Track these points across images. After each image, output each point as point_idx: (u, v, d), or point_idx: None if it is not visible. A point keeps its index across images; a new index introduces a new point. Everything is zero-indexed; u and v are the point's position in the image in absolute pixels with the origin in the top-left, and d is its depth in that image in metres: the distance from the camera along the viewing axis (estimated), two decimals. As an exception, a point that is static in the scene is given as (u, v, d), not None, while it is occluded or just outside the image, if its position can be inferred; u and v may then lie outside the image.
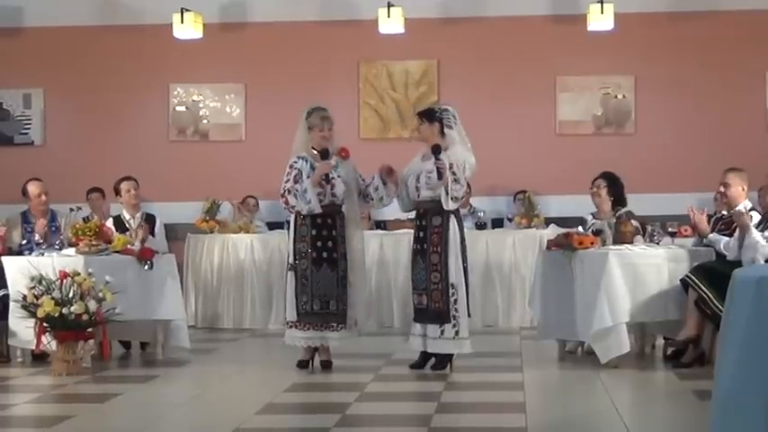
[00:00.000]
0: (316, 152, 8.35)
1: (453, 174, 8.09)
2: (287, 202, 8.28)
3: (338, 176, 8.32)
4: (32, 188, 9.95)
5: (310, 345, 8.36)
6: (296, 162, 8.33)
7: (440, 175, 8.09)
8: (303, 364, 8.38)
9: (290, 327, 8.34)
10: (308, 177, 8.25)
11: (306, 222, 8.31)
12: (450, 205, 8.15)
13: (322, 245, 8.29)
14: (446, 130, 8.30)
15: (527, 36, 13.45)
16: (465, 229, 11.90)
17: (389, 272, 11.71)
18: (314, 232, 8.29)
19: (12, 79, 13.74)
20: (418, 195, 8.30)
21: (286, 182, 8.28)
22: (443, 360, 8.25)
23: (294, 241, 8.36)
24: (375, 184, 8.43)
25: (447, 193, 8.10)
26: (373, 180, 8.43)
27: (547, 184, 13.15)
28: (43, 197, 9.88)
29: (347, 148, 8.40)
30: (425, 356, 8.32)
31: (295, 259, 8.33)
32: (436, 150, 8.12)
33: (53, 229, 9.43)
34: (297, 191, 8.21)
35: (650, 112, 13.44)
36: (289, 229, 8.55)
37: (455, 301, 8.17)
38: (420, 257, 8.27)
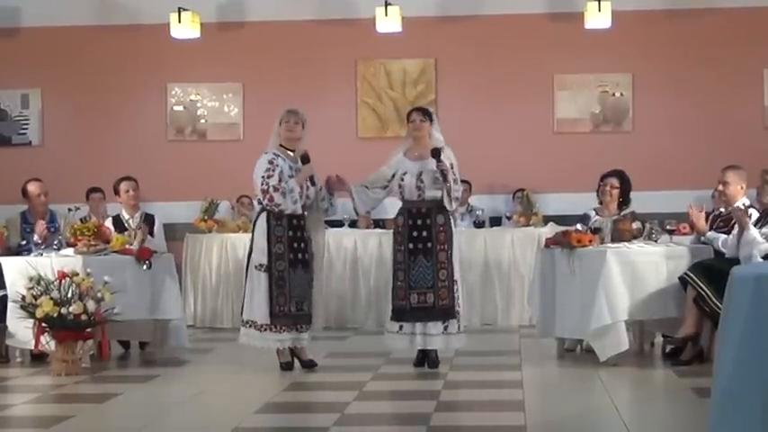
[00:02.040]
0: (284, 149, 8.32)
1: (453, 174, 8.15)
2: (272, 200, 8.14)
3: (307, 195, 8.31)
4: (32, 188, 9.95)
5: (286, 347, 8.30)
6: (275, 159, 8.27)
7: (445, 178, 8.15)
8: (287, 366, 8.32)
9: (264, 330, 8.23)
10: (290, 177, 8.23)
11: (282, 223, 8.23)
12: (453, 206, 8.24)
13: (297, 246, 8.26)
14: (432, 131, 8.41)
15: (525, 34, 13.45)
16: (463, 228, 12.06)
17: (387, 271, 11.66)
18: (290, 233, 8.24)
19: (9, 79, 13.74)
20: (419, 195, 8.30)
21: (268, 177, 8.16)
22: (436, 358, 8.29)
23: (268, 242, 8.22)
24: (322, 195, 8.44)
25: (449, 195, 8.14)
26: (321, 190, 8.43)
27: (545, 183, 13.15)
28: (43, 197, 9.88)
29: (307, 152, 8.35)
30: (425, 353, 8.34)
31: (270, 260, 8.23)
32: (437, 154, 8.16)
33: (52, 230, 9.41)
34: (284, 189, 8.18)
35: (648, 109, 13.45)
36: (254, 228, 8.38)
37: (458, 296, 8.26)
38: (423, 256, 8.26)
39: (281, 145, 8.35)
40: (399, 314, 8.33)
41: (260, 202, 8.32)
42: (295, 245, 8.26)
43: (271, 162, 8.22)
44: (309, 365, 8.36)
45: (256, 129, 13.64)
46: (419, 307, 8.25)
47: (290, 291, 8.22)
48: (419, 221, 8.31)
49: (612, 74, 13.51)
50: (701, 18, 13.31)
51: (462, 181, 12.35)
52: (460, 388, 7.58)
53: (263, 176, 8.18)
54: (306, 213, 8.35)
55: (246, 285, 8.32)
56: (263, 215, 8.27)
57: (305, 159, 8.28)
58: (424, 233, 8.28)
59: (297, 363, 8.39)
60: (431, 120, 8.42)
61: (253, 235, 8.36)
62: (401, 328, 8.33)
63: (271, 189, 8.15)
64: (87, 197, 12.08)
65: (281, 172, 8.20)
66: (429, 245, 8.25)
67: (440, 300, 8.21)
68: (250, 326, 8.26)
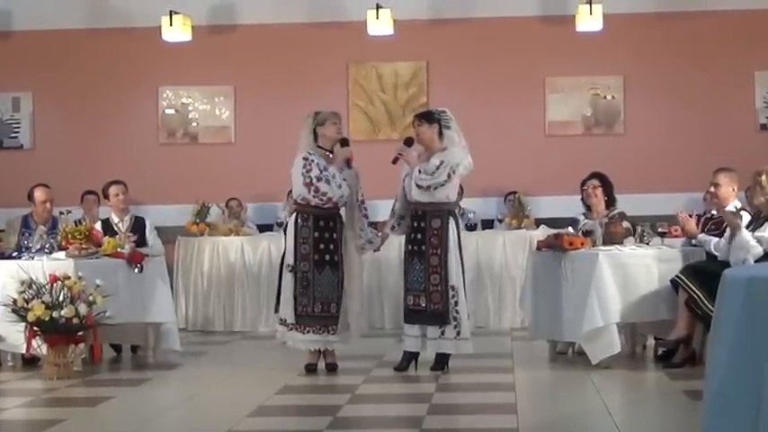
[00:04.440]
0: (323, 150, 8.32)
1: (435, 169, 8.13)
2: (317, 190, 8.14)
3: (344, 180, 8.30)
4: (38, 194, 9.87)
5: (311, 348, 8.34)
6: (311, 157, 8.24)
7: (394, 161, 8.28)
8: (311, 368, 8.34)
9: (290, 329, 8.31)
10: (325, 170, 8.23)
11: (308, 224, 8.27)
12: (413, 192, 8.20)
13: (324, 247, 8.26)
14: (444, 130, 8.35)
15: (516, 37, 13.46)
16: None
17: (381, 273, 11.69)
18: (316, 234, 8.26)
19: (0, 83, 13.71)
20: (412, 196, 8.30)
21: (308, 171, 8.16)
22: (442, 360, 8.26)
23: (295, 242, 8.30)
24: (369, 237, 8.46)
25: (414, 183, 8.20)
26: (367, 232, 8.44)
27: (537, 185, 13.16)
28: (48, 204, 9.83)
29: (352, 153, 8.38)
30: (410, 358, 8.32)
31: (295, 261, 8.30)
32: (407, 141, 8.32)
33: (53, 236, 9.34)
34: (327, 176, 8.16)
35: (639, 112, 13.46)
36: (286, 229, 8.48)
37: (456, 302, 8.18)
38: (417, 259, 8.26)
39: (318, 146, 8.35)
40: (405, 315, 8.39)
41: (296, 203, 8.37)
42: (321, 246, 8.25)
43: (305, 158, 8.23)
44: (330, 368, 8.37)
45: (248, 132, 13.67)
46: (414, 309, 8.27)
47: (314, 292, 8.23)
48: (415, 224, 8.32)
49: (604, 76, 13.52)
50: (692, 21, 13.33)
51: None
52: (453, 391, 7.58)
53: (302, 173, 8.20)
54: (342, 216, 8.36)
55: (281, 285, 8.39)
56: (293, 216, 8.36)
57: (344, 143, 8.32)
58: (419, 236, 8.28)
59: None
60: (431, 122, 8.34)
61: (285, 236, 8.44)
62: (407, 329, 8.36)
63: (314, 179, 8.16)
64: (82, 199, 12.06)
65: (317, 164, 8.21)
66: (423, 248, 8.25)
67: (432, 304, 8.19)
68: (282, 323, 8.36)
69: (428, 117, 8.41)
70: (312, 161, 8.21)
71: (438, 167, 8.16)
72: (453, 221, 8.29)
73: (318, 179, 8.16)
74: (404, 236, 8.48)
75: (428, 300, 8.19)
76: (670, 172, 13.13)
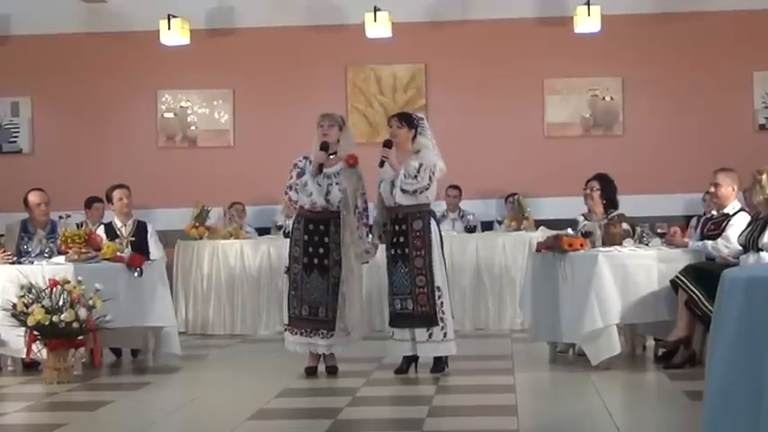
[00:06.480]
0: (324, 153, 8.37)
1: (416, 171, 8.13)
2: (290, 199, 8.28)
3: (336, 183, 8.30)
4: (33, 197, 9.86)
5: (298, 351, 8.36)
6: (299, 161, 8.33)
7: (381, 164, 8.27)
8: (311, 371, 8.36)
9: (285, 330, 8.40)
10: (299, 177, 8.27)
11: (299, 227, 8.31)
12: (397, 196, 8.19)
13: (314, 251, 8.27)
14: (419, 137, 8.37)
15: (514, 39, 13.46)
16: (455, 233, 12.03)
17: (380, 275, 11.64)
18: (306, 237, 8.28)
19: (-1, 87, 13.74)
20: (395, 201, 8.29)
21: (289, 179, 8.29)
22: (440, 362, 8.26)
23: (290, 245, 8.40)
24: (366, 247, 8.43)
25: (395, 185, 8.17)
26: (365, 241, 8.42)
27: (536, 187, 13.16)
28: (43, 207, 9.80)
29: (356, 156, 8.37)
30: (409, 360, 8.32)
31: (289, 263, 8.35)
32: (387, 144, 8.30)
33: (52, 240, 9.33)
34: (298, 185, 8.22)
35: (638, 113, 13.46)
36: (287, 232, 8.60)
37: (441, 303, 8.18)
38: (401, 262, 8.25)
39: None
40: (390, 320, 8.39)
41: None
42: (311, 249, 8.27)
43: (294, 165, 8.33)
44: (330, 371, 8.39)
45: (247, 135, 13.67)
46: (402, 313, 8.26)
47: (302, 294, 8.26)
48: (397, 227, 8.31)
49: (602, 78, 13.53)
50: (691, 21, 13.34)
51: (453, 186, 12.51)
52: (453, 393, 7.58)
53: (287, 179, 8.30)
54: (342, 218, 8.33)
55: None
56: (293, 219, 8.45)
57: (323, 148, 8.30)
58: (401, 239, 8.28)
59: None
60: (409, 126, 8.38)
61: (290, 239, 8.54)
62: (394, 333, 8.35)
63: (287, 189, 8.28)
64: (88, 206, 11.99)
65: (299, 172, 8.26)
66: (406, 250, 8.25)
67: (419, 306, 8.18)
68: (283, 324, 8.49)
69: (408, 121, 8.42)
70: (297, 168, 8.32)
71: (419, 170, 8.17)
72: (434, 222, 8.31)
73: (290, 187, 8.27)
74: (386, 242, 8.43)
75: (415, 302, 8.18)
76: (669, 173, 13.13)
